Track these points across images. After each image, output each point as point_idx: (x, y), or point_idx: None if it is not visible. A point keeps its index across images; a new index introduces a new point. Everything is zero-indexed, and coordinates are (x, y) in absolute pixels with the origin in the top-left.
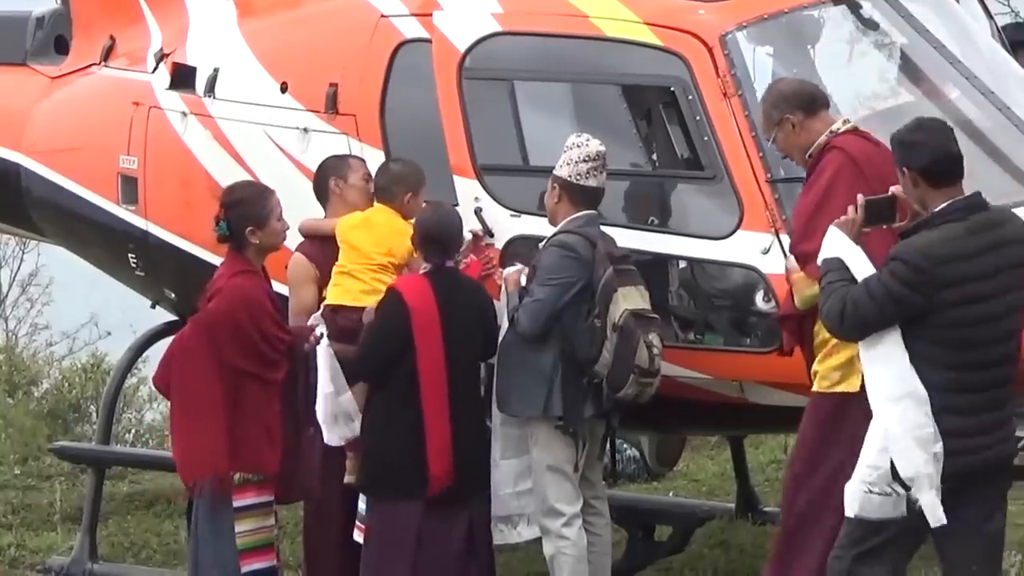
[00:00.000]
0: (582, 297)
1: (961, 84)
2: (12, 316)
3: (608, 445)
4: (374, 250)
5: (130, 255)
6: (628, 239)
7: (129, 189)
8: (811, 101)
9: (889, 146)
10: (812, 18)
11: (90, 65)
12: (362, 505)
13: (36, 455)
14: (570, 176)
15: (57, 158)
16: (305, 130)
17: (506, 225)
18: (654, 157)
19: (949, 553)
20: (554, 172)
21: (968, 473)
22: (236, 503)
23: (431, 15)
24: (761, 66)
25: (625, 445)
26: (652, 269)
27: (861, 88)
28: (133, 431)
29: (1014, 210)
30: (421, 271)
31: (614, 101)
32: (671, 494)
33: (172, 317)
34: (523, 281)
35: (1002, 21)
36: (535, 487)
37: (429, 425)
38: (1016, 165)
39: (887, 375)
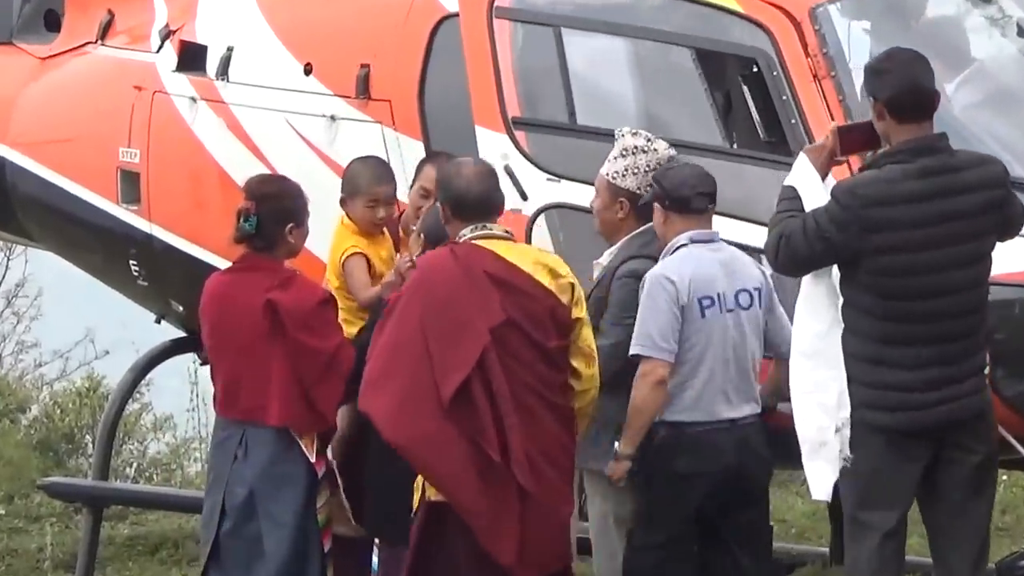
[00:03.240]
0: None
1: None
2: None
3: None
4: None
5: (131, 262)
6: None
7: (130, 186)
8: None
9: None
10: None
11: (85, 44)
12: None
13: (24, 492)
14: (639, 188)
15: (47, 151)
16: (332, 118)
17: (542, 190)
18: (730, 135)
19: (930, 524)
20: (613, 180)
21: (921, 431)
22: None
23: None
24: (858, 44)
25: None
26: None
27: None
28: (135, 465)
29: None
30: None
31: (682, 65)
32: None
33: (180, 333)
34: None
35: None
36: (598, 543)
37: None
38: None
39: (808, 329)
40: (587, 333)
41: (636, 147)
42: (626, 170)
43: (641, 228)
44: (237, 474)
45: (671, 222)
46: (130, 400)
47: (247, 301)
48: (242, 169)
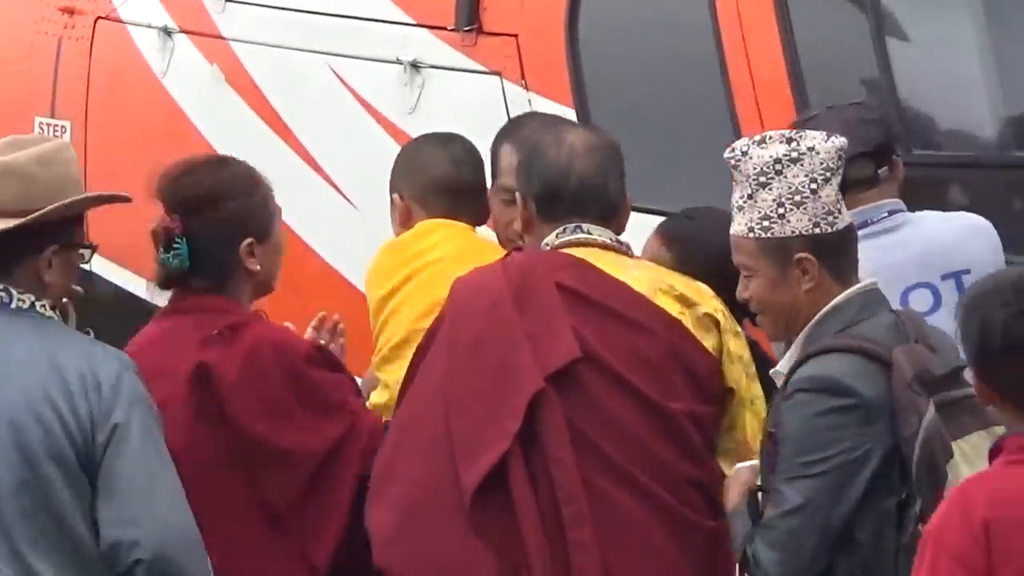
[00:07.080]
0: (882, 481)
1: None
2: None
3: None
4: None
5: None
6: None
7: None
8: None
9: None
10: None
11: None
12: None
13: None
14: (812, 224)
15: None
16: (414, 66)
17: None
18: None
19: None
20: (776, 230)
21: None
22: None
23: None
24: None
25: None
26: None
27: None
28: None
29: None
30: None
31: None
32: None
33: None
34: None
35: None
36: None
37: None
38: None
39: None
40: (751, 421)
41: (793, 153)
42: (781, 199)
43: (841, 297)
44: None
45: None
46: None
47: (170, 369)
48: (253, 153)
